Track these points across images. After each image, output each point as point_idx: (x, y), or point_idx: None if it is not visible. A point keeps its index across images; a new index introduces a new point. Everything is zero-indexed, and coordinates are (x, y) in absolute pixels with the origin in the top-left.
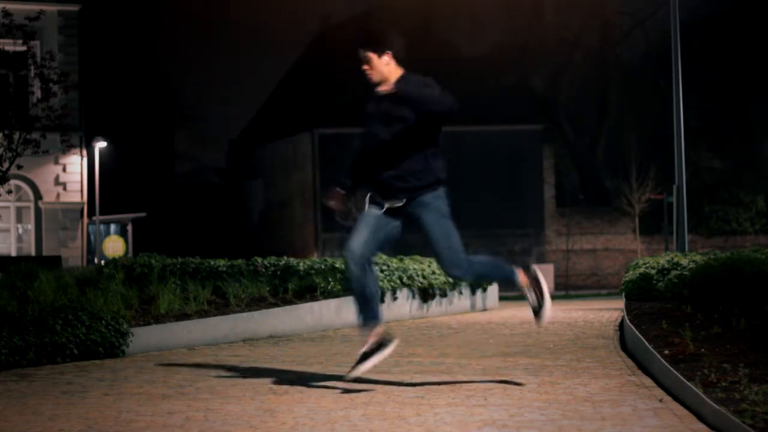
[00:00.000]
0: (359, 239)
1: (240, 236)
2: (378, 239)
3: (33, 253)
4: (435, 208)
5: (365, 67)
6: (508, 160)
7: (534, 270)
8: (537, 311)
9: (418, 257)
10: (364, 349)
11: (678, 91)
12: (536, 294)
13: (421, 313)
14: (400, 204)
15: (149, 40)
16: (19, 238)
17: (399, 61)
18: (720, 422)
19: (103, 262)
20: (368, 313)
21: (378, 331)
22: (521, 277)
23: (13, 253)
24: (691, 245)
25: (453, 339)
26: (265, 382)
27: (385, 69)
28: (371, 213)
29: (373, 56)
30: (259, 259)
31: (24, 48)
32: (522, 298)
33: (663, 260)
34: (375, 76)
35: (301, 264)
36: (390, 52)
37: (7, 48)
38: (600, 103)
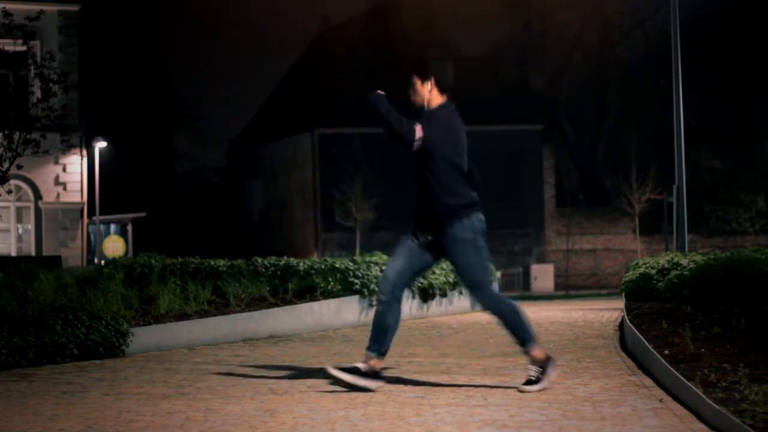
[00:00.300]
0: (395, 268)
1: (240, 236)
2: (412, 270)
3: (33, 253)
4: (459, 240)
5: (410, 89)
6: (508, 160)
7: (551, 360)
8: (528, 383)
9: None
10: (359, 365)
11: (678, 91)
12: (537, 373)
13: (421, 313)
14: (430, 239)
15: (149, 40)
16: (19, 238)
17: (443, 90)
18: (720, 422)
19: (103, 262)
20: (376, 343)
21: (377, 363)
22: (536, 349)
23: (13, 253)
24: (691, 245)
25: (453, 339)
26: (265, 382)
27: (427, 95)
28: (409, 243)
29: (417, 80)
30: (259, 259)
31: (24, 48)
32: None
33: (663, 260)
34: (417, 100)
35: (301, 264)
36: (434, 78)
37: (7, 48)
38: (600, 103)
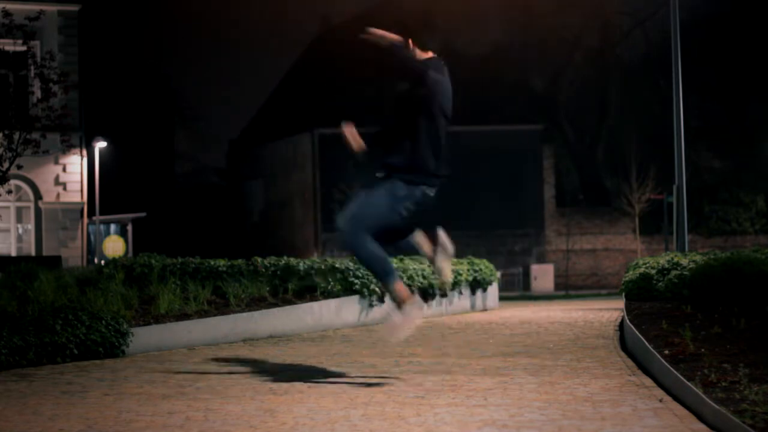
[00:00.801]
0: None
1: (240, 236)
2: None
3: (33, 253)
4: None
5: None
6: (508, 160)
7: (415, 297)
8: (389, 316)
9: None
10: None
11: (678, 91)
12: (396, 308)
13: (421, 313)
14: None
15: (149, 40)
16: (19, 238)
17: (422, 48)
18: (720, 422)
19: (103, 262)
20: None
21: (400, 287)
22: (399, 287)
23: (13, 253)
24: (691, 245)
25: (453, 339)
26: (265, 382)
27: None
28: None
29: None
30: (259, 259)
31: (24, 48)
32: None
33: (663, 260)
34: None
35: (301, 264)
36: (410, 39)
37: (7, 48)
38: (600, 103)
